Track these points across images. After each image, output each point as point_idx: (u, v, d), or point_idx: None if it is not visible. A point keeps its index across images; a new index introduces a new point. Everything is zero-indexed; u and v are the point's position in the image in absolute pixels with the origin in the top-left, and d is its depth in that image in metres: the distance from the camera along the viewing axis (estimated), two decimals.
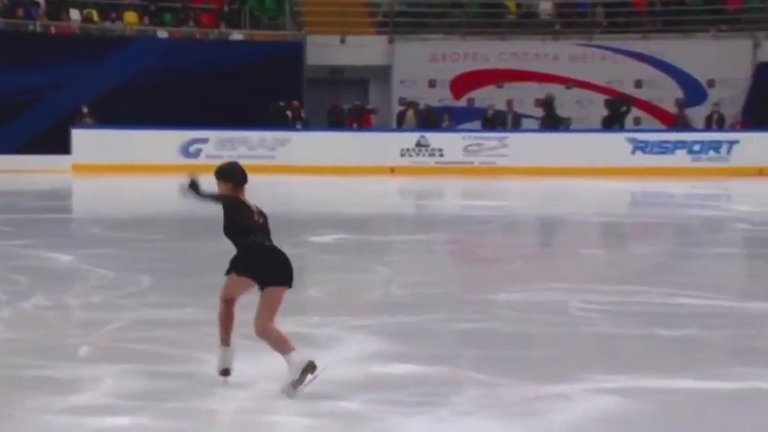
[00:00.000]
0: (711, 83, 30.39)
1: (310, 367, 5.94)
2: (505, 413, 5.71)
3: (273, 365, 6.88)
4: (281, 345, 6.14)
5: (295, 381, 5.89)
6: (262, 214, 6.60)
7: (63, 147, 26.58)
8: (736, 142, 27.05)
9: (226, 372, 6.32)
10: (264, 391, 6.21)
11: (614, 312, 8.70)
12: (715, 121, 28.56)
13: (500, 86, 30.67)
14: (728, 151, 26.91)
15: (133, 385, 6.33)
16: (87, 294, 9.51)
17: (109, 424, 5.59)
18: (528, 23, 31.52)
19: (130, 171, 25.92)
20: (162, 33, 30.38)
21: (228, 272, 6.69)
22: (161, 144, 27.06)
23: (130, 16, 30.49)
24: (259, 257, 6.43)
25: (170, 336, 7.72)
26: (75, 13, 30.08)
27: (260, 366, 6.82)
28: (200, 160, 26.93)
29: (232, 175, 6.72)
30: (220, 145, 27.28)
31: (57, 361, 6.98)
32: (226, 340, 6.45)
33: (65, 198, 22.51)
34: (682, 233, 16.36)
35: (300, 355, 6.04)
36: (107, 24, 30.08)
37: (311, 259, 12.36)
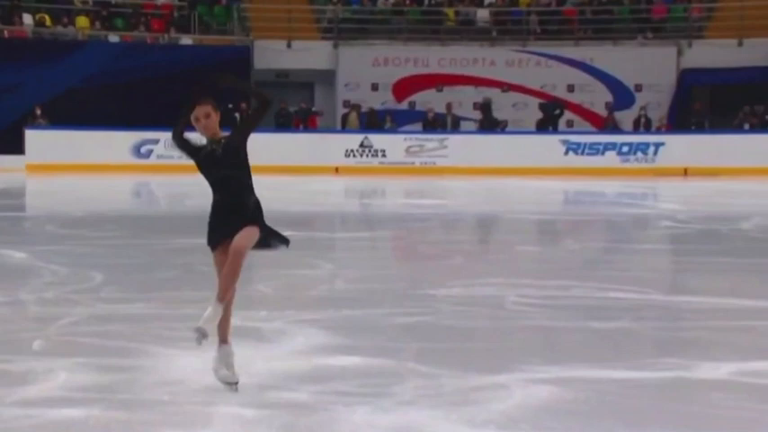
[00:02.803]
0: (639, 87, 30.70)
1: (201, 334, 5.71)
2: (445, 402, 5.70)
3: None
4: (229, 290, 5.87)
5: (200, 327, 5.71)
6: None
7: (17, 147, 26.43)
8: (662, 144, 27.36)
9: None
10: (213, 384, 6.15)
11: (549, 306, 8.72)
12: (642, 124, 28.86)
13: (440, 90, 30.77)
14: (655, 152, 27.20)
15: (85, 378, 6.25)
16: (41, 290, 9.39)
17: (62, 415, 5.51)
18: (466, 30, 31.62)
19: (83, 171, 25.72)
20: (113, 38, 30.21)
21: (244, 226, 5.99)
22: (113, 145, 26.92)
23: (82, 21, 30.28)
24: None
25: (121, 330, 7.64)
26: (27, 18, 29.84)
27: (208, 358, 6.76)
28: (151, 160, 26.92)
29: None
30: (170, 146, 27.08)
31: (10, 354, 6.87)
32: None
33: (18, 197, 22.26)
34: (612, 230, 16.50)
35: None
36: (59, 29, 29.89)
37: (259, 256, 12.33)
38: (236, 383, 5.85)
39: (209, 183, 6.06)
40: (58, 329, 7.73)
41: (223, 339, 5.94)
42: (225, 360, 5.91)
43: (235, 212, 5.94)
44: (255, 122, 6.42)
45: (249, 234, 5.93)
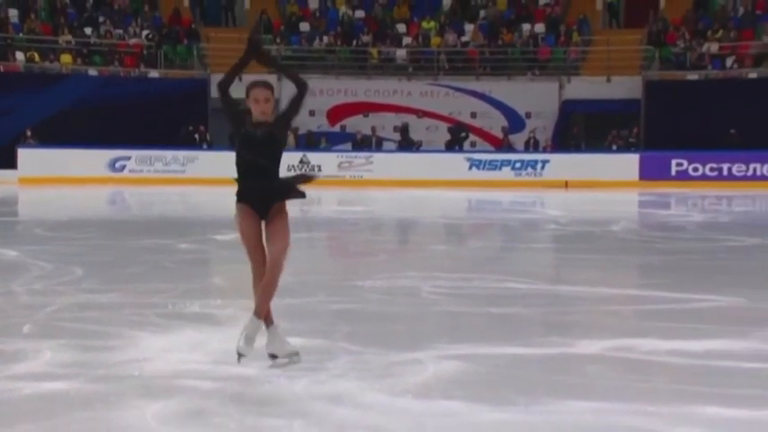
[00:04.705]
0: (528, 115, 30.99)
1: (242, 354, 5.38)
2: (371, 376, 5.67)
3: (183, 337, 6.75)
4: (267, 299, 5.41)
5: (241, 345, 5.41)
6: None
7: (11, 163, 26.38)
8: (548, 161, 27.64)
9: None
10: (177, 361, 6.07)
11: (456, 294, 8.75)
12: (531, 145, 29.14)
13: (366, 116, 30.80)
14: (542, 168, 27.46)
15: (68, 356, 6.16)
16: (30, 282, 9.23)
17: (48, 388, 5.43)
18: (387, 66, 31.69)
19: (67, 183, 25.43)
20: (92, 71, 29.98)
21: (275, 202, 5.54)
22: (92, 161, 26.71)
23: (66, 57, 30.06)
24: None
25: (99, 316, 7.52)
26: (20, 55, 29.71)
27: (171, 339, 6.67)
28: (124, 174, 26.81)
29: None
30: (141, 161, 26.99)
31: (3, 337, 6.75)
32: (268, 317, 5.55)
33: (12, 205, 21.87)
34: (507, 232, 16.60)
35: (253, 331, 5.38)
36: (47, 64, 29.67)
37: (215, 253, 12.22)
38: (297, 353, 5.56)
39: (238, 157, 5.55)
40: (45, 315, 7.63)
41: (269, 321, 5.61)
42: (279, 337, 5.59)
43: (264, 189, 5.52)
44: (296, 110, 5.71)
45: (284, 246, 5.50)
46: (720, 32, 30.85)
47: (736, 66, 29.91)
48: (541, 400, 5.20)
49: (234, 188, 5.69)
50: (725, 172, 26.89)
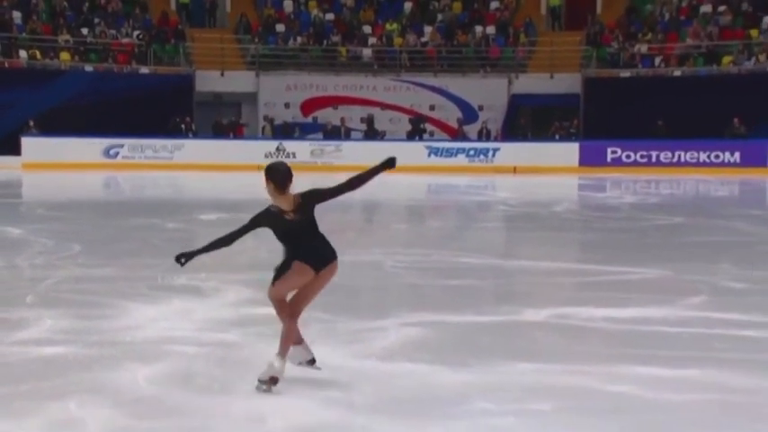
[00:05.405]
0: (481, 107, 30.99)
1: (273, 380, 4.64)
2: (340, 341, 5.68)
3: (171, 307, 6.70)
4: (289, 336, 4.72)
5: (262, 380, 4.66)
6: (298, 207, 4.87)
7: (15, 150, 26.04)
8: (498, 149, 27.67)
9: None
10: (166, 328, 6.03)
11: (417, 268, 8.76)
12: (484, 134, 29.16)
13: (335, 108, 30.64)
14: (493, 155, 27.50)
15: (66, 324, 6.12)
16: (32, 257, 9.13)
17: (48, 352, 5.40)
18: (355, 64, 31.53)
19: (66, 168, 25.13)
20: (89, 68, 29.60)
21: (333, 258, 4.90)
22: (88, 148, 26.42)
23: (65, 55, 29.71)
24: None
25: (95, 288, 7.45)
26: (23, 53, 29.35)
27: (160, 309, 6.62)
28: (118, 160, 26.63)
29: (275, 175, 4.85)
30: (133, 149, 26.76)
31: (9, 306, 6.69)
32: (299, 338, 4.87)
33: (16, 187, 21.59)
34: (462, 212, 16.64)
35: (280, 362, 4.66)
36: (47, 61, 29.32)
37: (199, 232, 12.13)
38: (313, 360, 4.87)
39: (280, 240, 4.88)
40: (46, 287, 7.56)
41: (297, 342, 4.86)
42: (301, 353, 4.86)
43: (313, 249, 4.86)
44: (327, 199, 5.03)
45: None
46: (649, 35, 31.08)
47: (663, 65, 30.12)
48: (493, 362, 5.22)
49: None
50: (653, 159, 27.10)
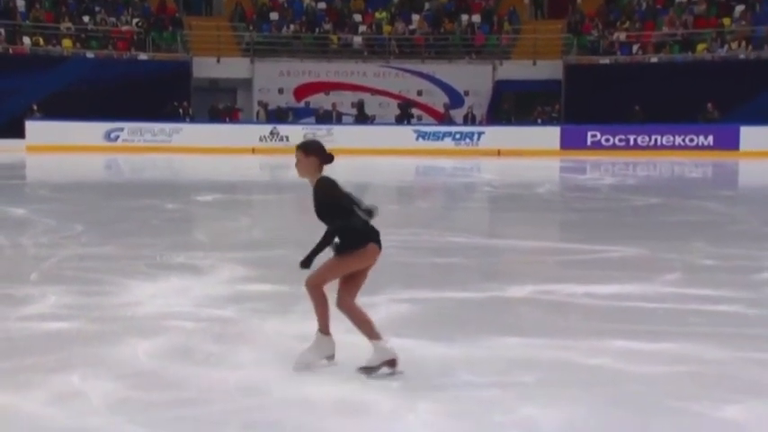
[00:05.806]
0: (467, 93, 30.93)
1: (391, 363, 4.43)
2: (331, 317, 5.63)
3: (169, 284, 6.67)
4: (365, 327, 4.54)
5: (371, 367, 4.47)
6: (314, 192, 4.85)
7: (19, 133, 25.88)
8: (483, 133, 27.64)
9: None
10: (164, 305, 6.00)
11: (406, 247, 8.73)
12: (469, 119, 29.13)
13: (327, 94, 30.53)
14: (478, 139, 27.46)
15: (70, 300, 6.08)
16: (36, 237, 9.08)
17: (52, 327, 5.37)
18: (345, 51, 31.40)
19: (68, 150, 25.00)
20: (90, 54, 29.44)
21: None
22: (90, 131, 26.28)
23: (67, 42, 29.55)
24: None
25: (96, 266, 7.41)
26: (26, 40, 29.17)
27: (159, 286, 6.59)
28: (118, 143, 26.53)
29: (320, 152, 4.88)
30: (132, 132, 26.64)
31: (14, 283, 6.65)
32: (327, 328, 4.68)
33: (20, 169, 21.47)
34: (449, 193, 16.64)
35: (388, 344, 4.47)
36: (50, 47, 29.15)
37: (197, 212, 12.07)
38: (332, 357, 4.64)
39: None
40: (50, 265, 7.52)
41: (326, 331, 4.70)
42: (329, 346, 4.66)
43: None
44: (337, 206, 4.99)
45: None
46: (627, 23, 31.04)
47: (640, 52, 30.10)
48: (479, 337, 5.22)
49: None
50: (631, 142, 27.10)
